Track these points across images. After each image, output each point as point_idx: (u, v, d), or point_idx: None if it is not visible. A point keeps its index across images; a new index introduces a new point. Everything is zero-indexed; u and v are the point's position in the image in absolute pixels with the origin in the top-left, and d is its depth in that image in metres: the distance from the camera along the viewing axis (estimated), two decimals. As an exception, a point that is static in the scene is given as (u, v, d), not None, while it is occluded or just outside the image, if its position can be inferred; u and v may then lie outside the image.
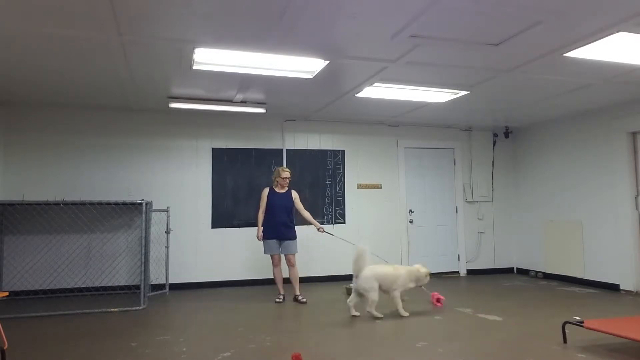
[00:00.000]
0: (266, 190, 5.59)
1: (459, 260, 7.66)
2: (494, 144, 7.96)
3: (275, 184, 5.59)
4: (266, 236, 5.46)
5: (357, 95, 5.45)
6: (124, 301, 5.52)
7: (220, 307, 5.27)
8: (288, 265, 5.49)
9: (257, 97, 5.70)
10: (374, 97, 5.54)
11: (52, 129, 6.07)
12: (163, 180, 6.45)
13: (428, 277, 5.01)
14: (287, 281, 5.56)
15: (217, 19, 3.37)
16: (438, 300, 5.28)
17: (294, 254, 5.51)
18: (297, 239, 5.54)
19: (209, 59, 4.14)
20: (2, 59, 4.16)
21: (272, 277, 5.68)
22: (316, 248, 6.80)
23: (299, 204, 5.60)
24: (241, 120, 6.79)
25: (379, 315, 4.61)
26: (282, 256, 5.53)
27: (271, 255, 5.50)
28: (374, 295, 4.61)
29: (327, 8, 3.20)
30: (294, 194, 5.63)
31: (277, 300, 5.40)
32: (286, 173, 5.55)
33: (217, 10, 3.22)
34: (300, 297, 5.41)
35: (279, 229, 5.43)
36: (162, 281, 6.22)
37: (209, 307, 5.26)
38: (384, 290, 4.75)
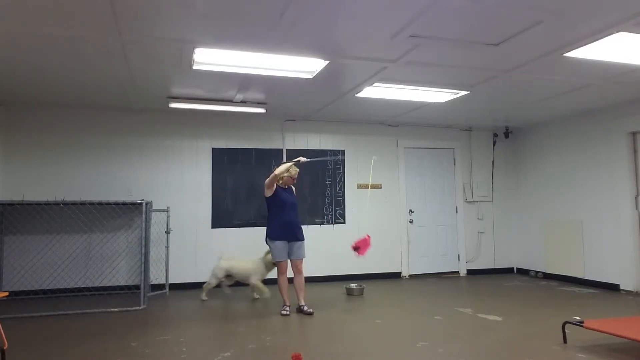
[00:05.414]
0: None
1: (459, 260, 7.66)
2: (494, 144, 7.96)
3: (279, 180, 4.97)
4: (275, 236, 4.89)
5: (357, 95, 5.44)
6: (124, 301, 5.51)
7: (220, 307, 5.27)
8: (295, 272, 4.96)
9: (257, 97, 5.70)
10: (374, 97, 5.54)
11: (52, 129, 6.07)
12: (163, 180, 6.45)
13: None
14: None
15: (217, 19, 3.37)
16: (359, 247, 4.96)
17: (302, 259, 4.99)
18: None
19: (209, 59, 4.14)
20: (2, 59, 4.16)
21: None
22: (316, 248, 6.80)
23: None
24: (241, 120, 6.79)
25: None
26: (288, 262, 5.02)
27: (278, 263, 4.92)
28: None
29: (327, 8, 3.20)
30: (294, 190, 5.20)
31: (284, 312, 4.82)
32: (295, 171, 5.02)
33: (217, 10, 3.22)
34: (305, 308, 4.89)
35: (290, 228, 4.90)
36: (162, 281, 6.21)
37: (209, 307, 5.26)
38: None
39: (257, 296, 5.68)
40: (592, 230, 6.42)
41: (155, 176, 6.42)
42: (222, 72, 4.53)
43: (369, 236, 5.05)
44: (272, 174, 4.92)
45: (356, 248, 4.99)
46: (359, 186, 7.25)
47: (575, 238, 6.66)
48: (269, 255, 5.32)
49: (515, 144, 7.94)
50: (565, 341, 3.74)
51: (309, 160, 5.13)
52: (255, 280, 5.54)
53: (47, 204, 5.32)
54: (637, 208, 5.91)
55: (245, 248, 6.62)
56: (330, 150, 7.11)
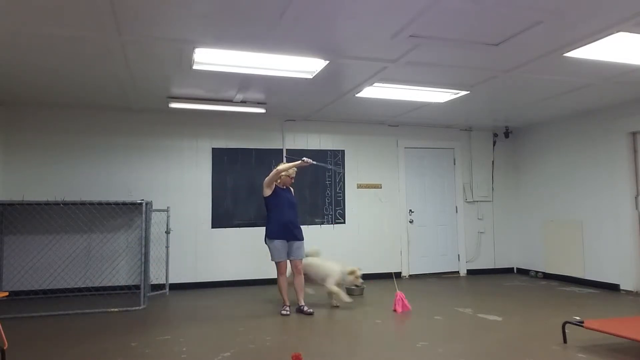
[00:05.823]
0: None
1: (459, 260, 7.66)
2: (494, 144, 7.96)
3: (277, 180, 5.00)
4: (274, 236, 4.87)
5: (357, 95, 5.44)
6: (124, 301, 5.52)
7: (220, 307, 5.27)
8: (294, 272, 4.97)
9: (257, 97, 5.70)
10: (374, 97, 5.54)
11: (52, 129, 6.07)
12: (163, 180, 6.45)
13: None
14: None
15: (217, 19, 3.37)
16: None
17: (302, 260, 5.01)
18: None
19: (209, 59, 4.14)
20: (2, 59, 4.16)
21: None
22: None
23: None
24: (241, 120, 6.79)
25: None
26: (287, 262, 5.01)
27: (278, 263, 4.90)
28: None
29: (327, 8, 3.20)
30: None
31: (284, 312, 4.83)
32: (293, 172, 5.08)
33: (217, 10, 3.22)
34: (305, 308, 4.87)
35: (289, 228, 4.89)
36: (162, 281, 6.22)
37: (209, 307, 5.26)
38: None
39: (336, 303, 5.21)
40: (592, 230, 6.42)
41: (155, 176, 6.42)
42: (222, 72, 4.53)
43: (397, 293, 5.05)
44: (275, 170, 4.92)
45: (397, 309, 4.96)
46: (359, 186, 7.26)
47: (575, 238, 6.66)
48: (351, 276, 5.16)
49: (515, 144, 7.94)
50: (565, 341, 3.74)
51: (314, 162, 5.06)
52: (330, 284, 5.13)
53: (47, 204, 5.32)
54: (637, 208, 5.91)
55: (245, 248, 6.64)
56: (332, 160, 7.10)
